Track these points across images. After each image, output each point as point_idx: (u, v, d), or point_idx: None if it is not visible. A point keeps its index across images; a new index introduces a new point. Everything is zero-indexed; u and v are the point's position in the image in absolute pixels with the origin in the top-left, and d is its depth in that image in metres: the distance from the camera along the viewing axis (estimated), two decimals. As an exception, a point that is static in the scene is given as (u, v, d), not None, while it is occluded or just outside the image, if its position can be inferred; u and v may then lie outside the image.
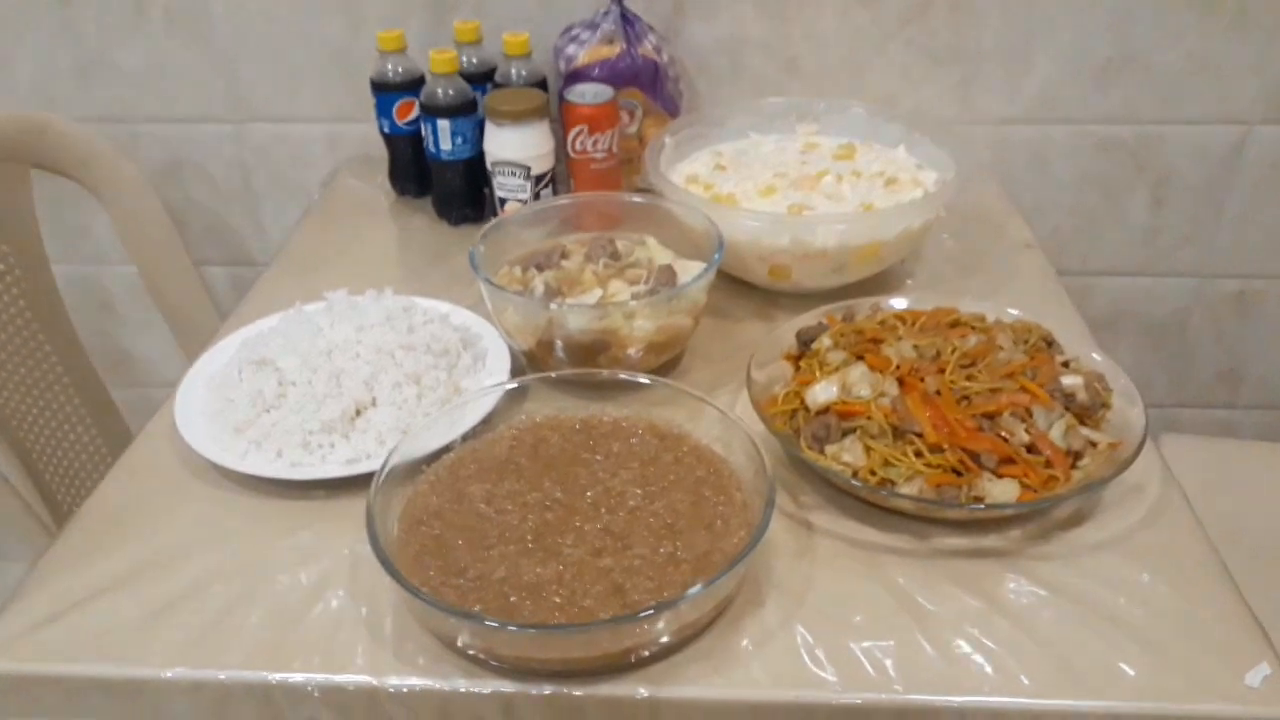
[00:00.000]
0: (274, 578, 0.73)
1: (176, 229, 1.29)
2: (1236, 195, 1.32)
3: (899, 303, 0.91)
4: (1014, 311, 0.88)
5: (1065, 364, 0.82)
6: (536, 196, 1.12)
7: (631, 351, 0.86)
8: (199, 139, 1.36)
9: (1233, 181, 1.31)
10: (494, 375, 0.88)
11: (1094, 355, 0.83)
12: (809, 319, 0.89)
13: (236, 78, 1.32)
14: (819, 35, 1.24)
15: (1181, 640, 0.66)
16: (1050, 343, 0.84)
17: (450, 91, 1.12)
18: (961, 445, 0.72)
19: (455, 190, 1.18)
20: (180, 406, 0.86)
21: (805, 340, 0.86)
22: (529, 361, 0.92)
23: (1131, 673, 0.64)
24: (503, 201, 1.13)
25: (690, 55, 1.27)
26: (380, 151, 1.24)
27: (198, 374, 0.90)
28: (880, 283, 1.04)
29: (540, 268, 0.94)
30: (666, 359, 0.91)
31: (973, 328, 0.84)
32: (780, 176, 1.08)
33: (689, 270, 0.92)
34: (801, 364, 0.84)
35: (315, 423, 0.81)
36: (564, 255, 0.97)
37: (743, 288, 1.04)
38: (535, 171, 1.11)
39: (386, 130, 1.21)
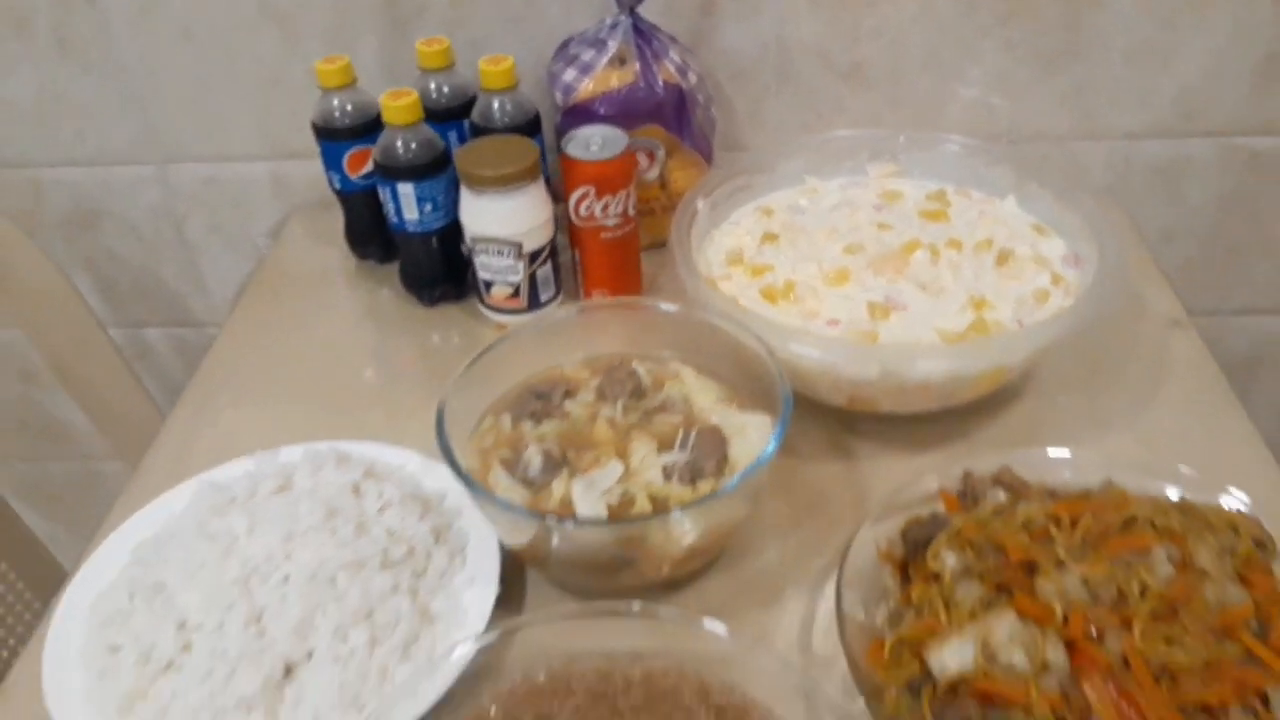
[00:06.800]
0: None
1: (81, 290, 1.05)
2: None
3: (1033, 457, 0.66)
4: (1185, 471, 0.64)
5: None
6: (532, 279, 0.86)
7: (665, 568, 0.62)
8: (114, 184, 1.09)
9: None
10: (477, 583, 0.64)
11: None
12: (909, 490, 0.65)
13: (151, 109, 1.04)
14: (892, 32, 0.96)
15: None
16: (1262, 543, 0.59)
17: (414, 146, 0.85)
18: (1175, 771, 0.48)
19: (428, 267, 0.92)
20: (52, 651, 0.62)
21: (915, 542, 0.61)
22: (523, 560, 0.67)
23: None
24: (488, 285, 0.87)
25: (723, 66, 0.99)
26: (338, 196, 0.98)
27: (82, 587, 0.66)
28: (987, 401, 0.78)
29: (536, 416, 0.69)
30: (711, 559, 0.66)
31: (1154, 526, 0.59)
32: (853, 251, 0.81)
33: (740, 427, 0.66)
34: (913, 581, 0.59)
35: (229, 696, 0.58)
36: (568, 392, 0.72)
37: (808, 405, 0.79)
38: (528, 248, 0.85)
39: (338, 186, 0.94)
